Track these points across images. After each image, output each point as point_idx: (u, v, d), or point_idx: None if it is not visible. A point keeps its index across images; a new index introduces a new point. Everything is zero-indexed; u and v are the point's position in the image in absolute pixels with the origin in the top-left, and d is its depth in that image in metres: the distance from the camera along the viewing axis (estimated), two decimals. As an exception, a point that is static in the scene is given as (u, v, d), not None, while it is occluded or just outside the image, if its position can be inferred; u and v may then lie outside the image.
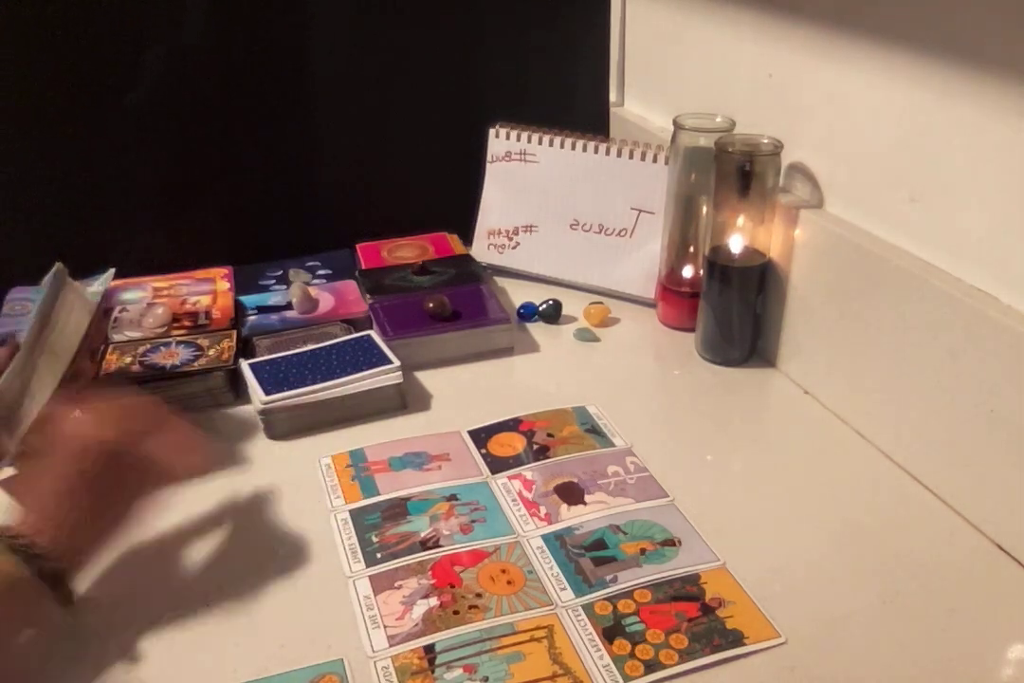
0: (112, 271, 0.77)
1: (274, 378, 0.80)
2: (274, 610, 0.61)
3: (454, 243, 1.08)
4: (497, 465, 0.74)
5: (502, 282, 1.06)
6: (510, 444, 0.77)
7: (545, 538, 0.66)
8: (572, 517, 0.68)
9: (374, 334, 0.87)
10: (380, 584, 0.62)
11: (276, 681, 0.55)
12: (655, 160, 0.97)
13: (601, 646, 0.57)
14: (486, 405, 0.82)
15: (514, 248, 1.06)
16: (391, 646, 0.57)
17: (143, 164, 1.00)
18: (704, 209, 0.89)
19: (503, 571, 0.63)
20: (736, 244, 0.85)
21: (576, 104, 1.13)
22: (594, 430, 0.78)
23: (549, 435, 0.77)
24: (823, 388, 0.82)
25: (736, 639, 0.57)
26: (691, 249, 0.93)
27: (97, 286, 0.77)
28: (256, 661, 0.57)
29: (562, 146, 1.01)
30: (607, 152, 0.99)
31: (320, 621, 0.60)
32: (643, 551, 0.64)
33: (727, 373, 0.87)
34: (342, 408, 0.80)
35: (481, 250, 1.08)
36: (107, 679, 0.56)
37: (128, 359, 0.83)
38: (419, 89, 1.06)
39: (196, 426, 0.63)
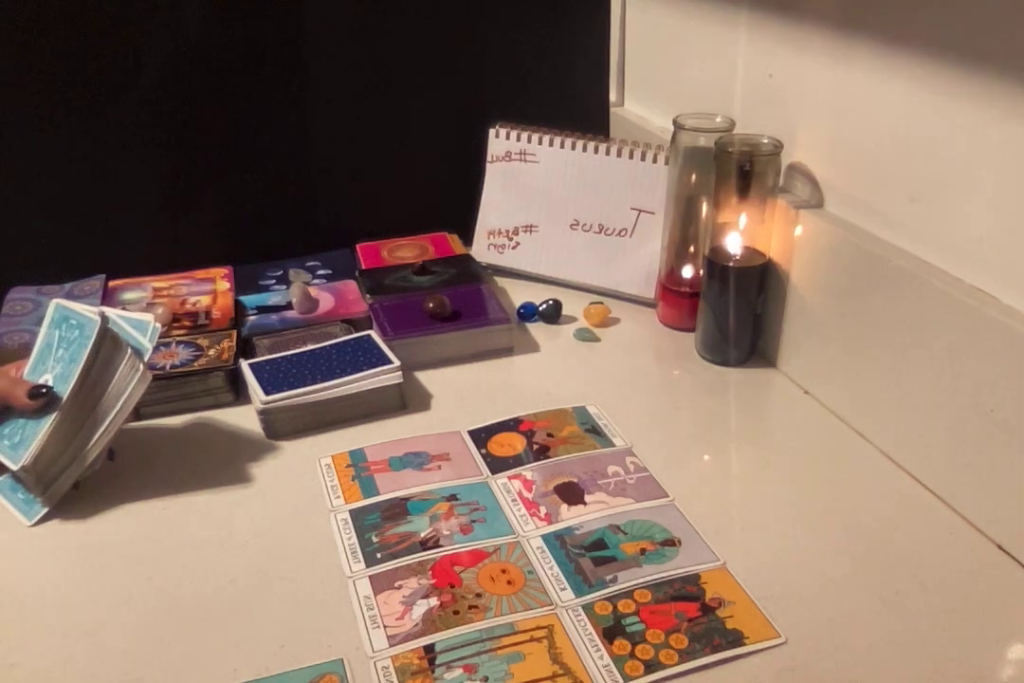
0: (158, 326, 0.73)
1: (274, 378, 0.80)
2: (274, 610, 0.61)
3: (454, 243, 1.08)
4: (497, 465, 0.74)
5: (502, 282, 1.06)
6: (510, 444, 0.77)
7: (545, 538, 0.66)
8: (572, 517, 0.68)
9: (374, 334, 0.87)
10: (380, 584, 0.62)
11: (276, 681, 0.55)
12: (655, 160, 0.97)
13: (601, 646, 0.57)
14: (486, 405, 0.82)
15: (514, 248, 1.06)
16: (391, 646, 0.57)
17: (143, 164, 1.00)
18: (704, 209, 0.89)
19: (503, 571, 0.63)
20: (736, 244, 0.85)
21: (576, 104, 1.13)
22: (594, 430, 0.78)
23: (549, 435, 0.77)
24: (823, 388, 0.82)
25: (736, 639, 0.57)
26: (691, 249, 0.93)
27: (147, 342, 0.71)
28: (256, 661, 0.57)
29: (562, 146, 1.01)
30: (607, 152, 0.99)
31: (320, 621, 0.60)
32: (643, 551, 0.64)
33: (727, 373, 0.87)
34: (342, 408, 0.80)
35: (481, 250, 1.08)
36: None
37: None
38: (419, 89, 1.06)
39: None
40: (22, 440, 0.68)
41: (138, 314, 0.73)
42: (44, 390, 0.68)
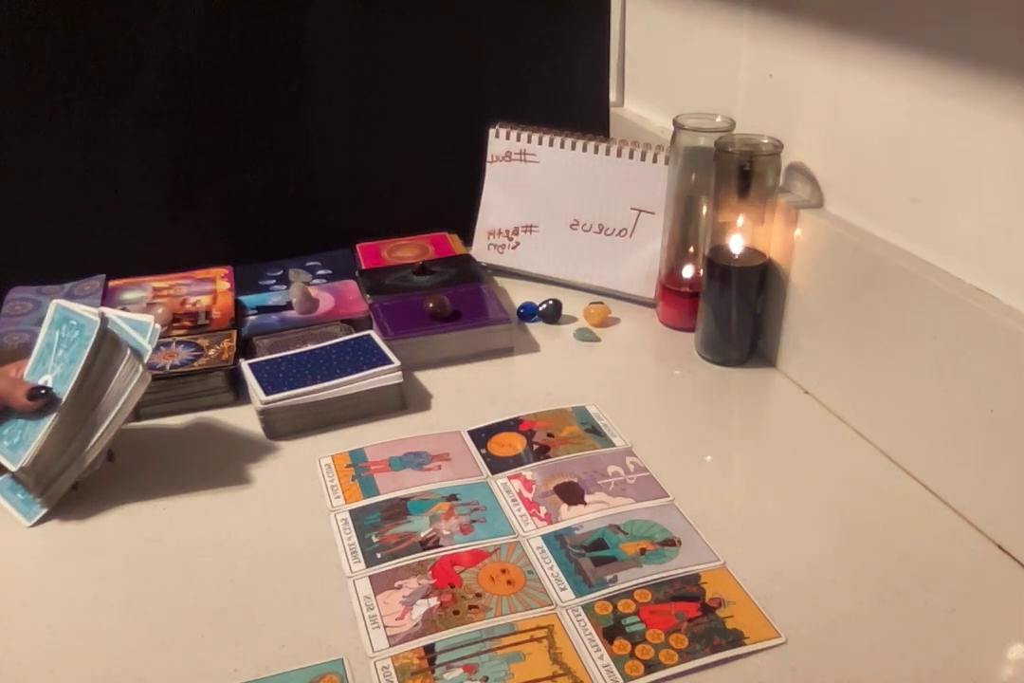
0: (158, 327, 0.73)
1: (274, 378, 0.80)
2: (274, 610, 0.61)
3: (454, 243, 1.08)
4: (497, 465, 0.74)
5: (502, 282, 1.06)
6: (510, 444, 0.77)
7: (545, 538, 0.66)
8: (572, 517, 0.68)
9: (374, 334, 0.87)
10: (380, 584, 0.62)
11: (276, 681, 0.55)
12: (655, 160, 0.97)
13: (601, 646, 0.57)
14: (486, 405, 0.82)
15: (514, 248, 1.06)
16: (391, 646, 0.57)
17: (143, 164, 1.00)
18: (704, 209, 0.89)
19: (503, 571, 0.63)
20: (736, 244, 0.85)
21: (576, 104, 1.13)
22: (594, 430, 0.78)
23: (549, 435, 0.77)
24: (823, 388, 0.82)
25: (736, 639, 0.57)
26: (691, 249, 0.93)
27: (147, 343, 0.71)
28: (256, 661, 0.57)
29: (562, 146, 1.01)
30: (607, 152, 0.99)
31: (320, 621, 0.60)
32: (643, 551, 0.64)
33: (727, 373, 0.87)
34: (342, 408, 0.80)
35: (481, 250, 1.08)
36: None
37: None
38: (419, 89, 1.06)
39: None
40: (21, 441, 0.68)
41: (138, 315, 0.73)
42: (43, 391, 0.68)
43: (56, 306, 0.73)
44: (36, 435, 0.67)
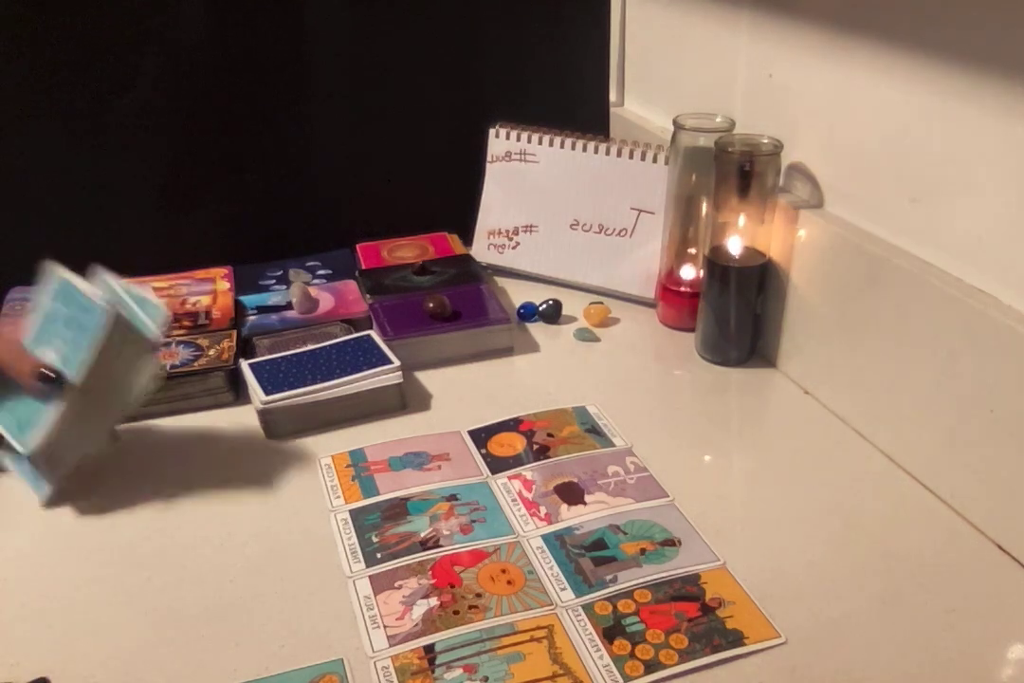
0: (167, 314, 0.72)
1: (274, 378, 0.80)
2: (274, 610, 0.61)
3: (454, 243, 1.08)
4: (497, 465, 0.74)
5: (502, 282, 1.06)
6: (510, 444, 0.77)
7: (545, 538, 0.66)
8: (572, 517, 0.68)
9: (374, 334, 0.87)
10: (380, 584, 0.62)
11: (276, 681, 0.55)
12: (655, 160, 0.97)
13: (601, 646, 0.57)
14: (486, 405, 0.82)
15: (514, 248, 1.06)
16: (391, 646, 0.57)
17: (143, 164, 1.00)
18: (704, 209, 0.89)
19: (503, 571, 0.63)
20: (736, 244, 0.85)
21: (576, 104, 1.13)
22: (594, 430, 0.78)
23: (549, 435, 0.77)
24: (823, 388, 0.82)
25: (736, 639, 0.57)
26: (691, 249, 0.93)
27: (154, 326, 0.70)
28: (256, 661, 0.57)
29: (562, 146, 1.01)
30: (607, 152, 0.99)
31: (320, 621, 0.60)
32: (643, 551, 0.64)
33: (727, 373, 0.87)
34: (342, 408, 0.80)
35: (481, 250, 1.08)
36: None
37: (128, 359, 0.83)
38: (419, 89, 1.06)
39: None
40: (28, 421, 0.68)
41: (148, 295, 0.71)
42: (53, 375, 0.66)
43: (61, 280, 0.70)
44: (43, 420, 0.67)
